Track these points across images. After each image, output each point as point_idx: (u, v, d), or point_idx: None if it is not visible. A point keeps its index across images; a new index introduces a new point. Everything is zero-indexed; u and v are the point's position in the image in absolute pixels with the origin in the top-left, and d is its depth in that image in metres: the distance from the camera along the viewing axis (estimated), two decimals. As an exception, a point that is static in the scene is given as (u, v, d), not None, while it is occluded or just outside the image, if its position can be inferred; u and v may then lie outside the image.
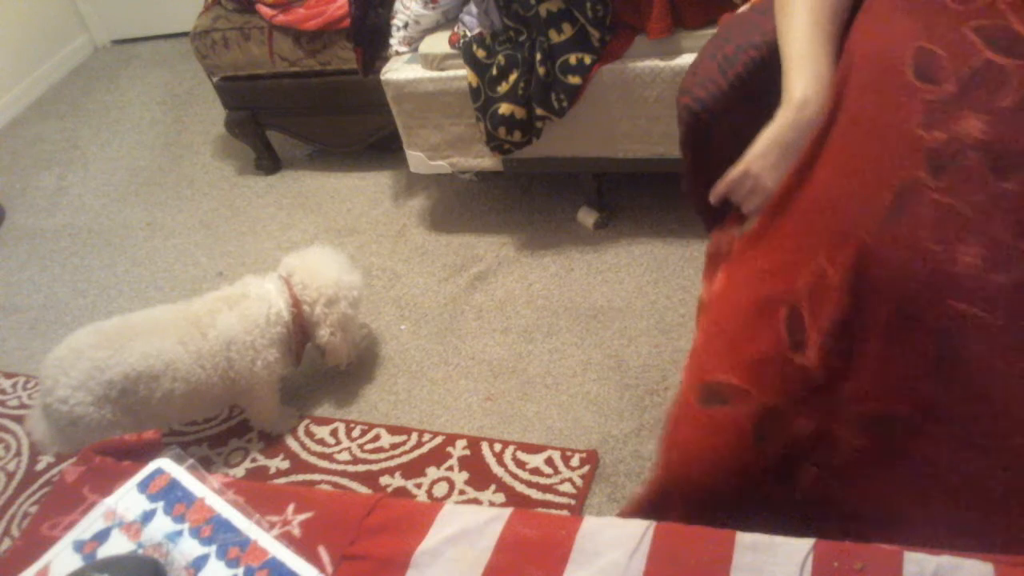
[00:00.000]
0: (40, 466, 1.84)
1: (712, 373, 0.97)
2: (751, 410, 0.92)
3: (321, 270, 1.74)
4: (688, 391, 1.01)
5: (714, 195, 1.02)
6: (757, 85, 1.03)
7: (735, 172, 0.97)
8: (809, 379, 0.88)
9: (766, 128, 0.94)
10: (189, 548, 0.86)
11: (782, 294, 0.89)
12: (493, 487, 1.59)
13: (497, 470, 1.62)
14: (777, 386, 0.91)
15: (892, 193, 0.78)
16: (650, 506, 1.10)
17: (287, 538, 0.87)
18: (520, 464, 1.62)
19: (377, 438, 1.75)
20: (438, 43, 1.93)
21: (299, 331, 1.74)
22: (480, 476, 1.61)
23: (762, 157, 0.94)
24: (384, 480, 1.65)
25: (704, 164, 1.09)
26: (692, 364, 1.03)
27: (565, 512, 1.50)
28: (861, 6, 0.92)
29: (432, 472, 1.64)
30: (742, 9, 1.12)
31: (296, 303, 1.71)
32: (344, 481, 1.67)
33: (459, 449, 1.67)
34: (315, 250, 1.82)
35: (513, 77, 1.80)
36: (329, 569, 0.84)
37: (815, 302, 0.86)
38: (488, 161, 2.05)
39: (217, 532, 0.87)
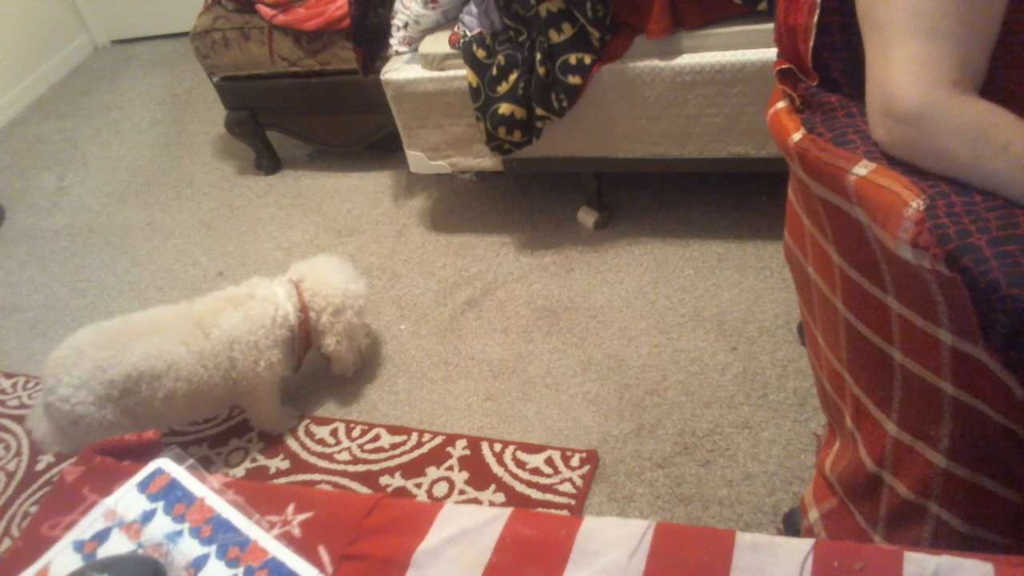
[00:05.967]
0: (40, 466, 1.84)
1: None
2: None
3: (330, 278, 1.76)
4: None
5: None
6: None
7: None
8: None
9: None
10: (189, 548, 0.86)
11: None
12: (493, 487, 1.59)
13: (497, 470, 1.62)
14: None
15: None
16: None
17: (287, 538, 0.87)
18: (520, 464, 1.62)
19: (377, 438, 1.75)
20: (438, 43, 1.93)
21: (304, 337, 1.75)
22: (480, 476, 1.61)
23: None
24: (384, 480, 1.65)
25: None
26: None
27: (565, 512, 1.50)
28: None
29: (432, 472, 1.64)
30: (920, 208, 0.76)
31: (304, 309, 1.72)
32: (344, 481, 1.67)
33: (459, 449, 1.67)
34: (323, 258, 1.84)
35: (513, 77, 1.80)
36: (329, 569, 0.84)
37: None
38: (488, 161, 2.05)
39: (217, 532, 0.87)
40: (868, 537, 1.03)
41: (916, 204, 0.76)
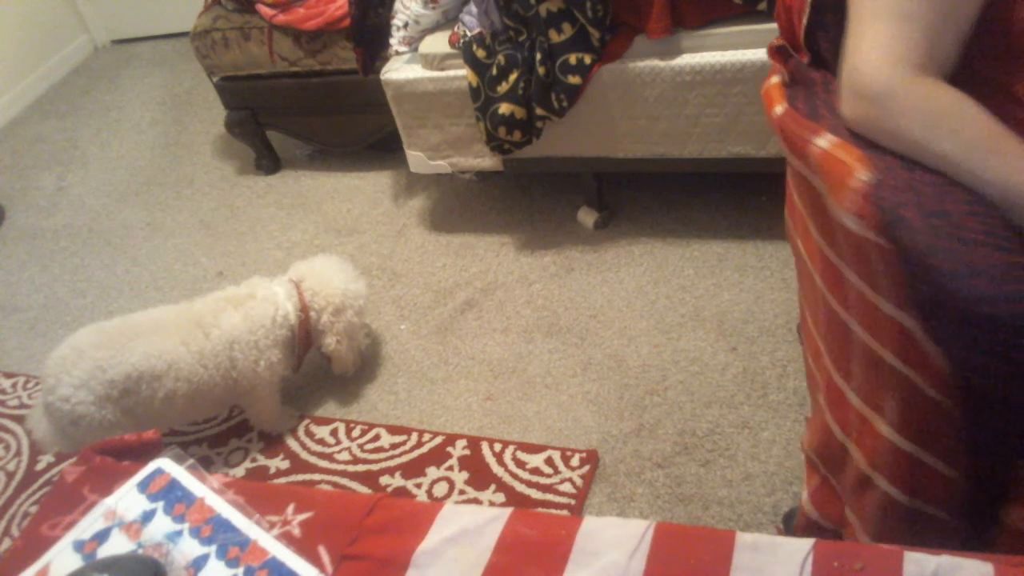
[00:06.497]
0: (40, 466, 1.84)
1: None
2: None
3: (330, 278, 1.76)
4: None
5: None
6: None
7: None
8: None
9: None
10: (189, 548, 0.86)
11: None
12: (493, 487, 1.59)
13: (497, 470, 1.62)
14: None
15: None
16: None
17: (287, 538, 0.87)
18: (520, 464, 1.62)
19: (377, 438, 1.75)
20: (438, 43, 1.93)
21: (304, 336, 1.75)
22: (480, 476, 1.61)
23: None
24: (384, 480, 1.65)
25: None
26: None
27: (565, 512, 1.50)
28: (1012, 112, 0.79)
29: (432, 472, 1.64)
30: (867, 180, 0.82)
31: (304, 308, 1.72)
32: (344, 481, 1.67)
33: (459, 449, 1.67)
34: (323, 258, 1.84)
35: (513, 77, 1.80)
36: (329, 569, 0.84)
37: None
38: (488, 161, 2.05)
39: (217, 532, 0.87)
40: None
41: (863, 176, 0.80)
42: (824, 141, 0.85)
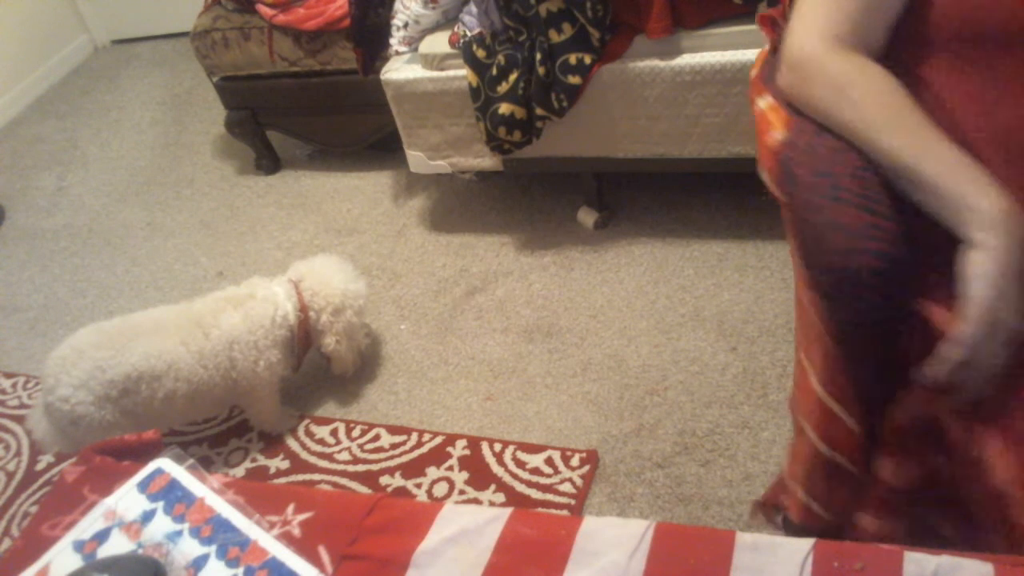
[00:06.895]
0: (40, 466, 1.84)
1: None
2: None
3: (329, 278, 1.76)
4: None
5: (942, 368, 0.79)
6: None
7: (969, 329, 0.75)
8: None
9: (978, 261, 0.75)
10: (189, 548, 0.86)
11: None
12: (493, 487, 1.59)
13: (497, 470, 1.62)
14: None
15: None
16: None
17: (287, 538, 0.87)
18: (520, 464, 1.62)
19: (377, 438, 1.75)
20: (438, 43, 1.93)
21: (303, 336, 1.75)
22: (480, 476, 1.61)
23: (998, 296, 0.74)
24: (384, 480, 1.65)
25: (890, 335, 0.86)
26: None
27: (565, 512, 1.50)
28: (921, 94, 0.83)
29: (432, 472, 1.64)
30: (778, 139, 0.89)
31: (304, 308, 1.72)
32: (344, 481, 1.67)
33: (459, 449, 1.67)
34: (323, 258, 1.84)
35: (513, 77, 1.80)
36: (329, 569, 0.84)
37: None
38: (488, 161, 2.05)
39: (217, 532, 0.87)
40: None
41: (777, 136, 0.89)
42: (763, 102, 0.93)
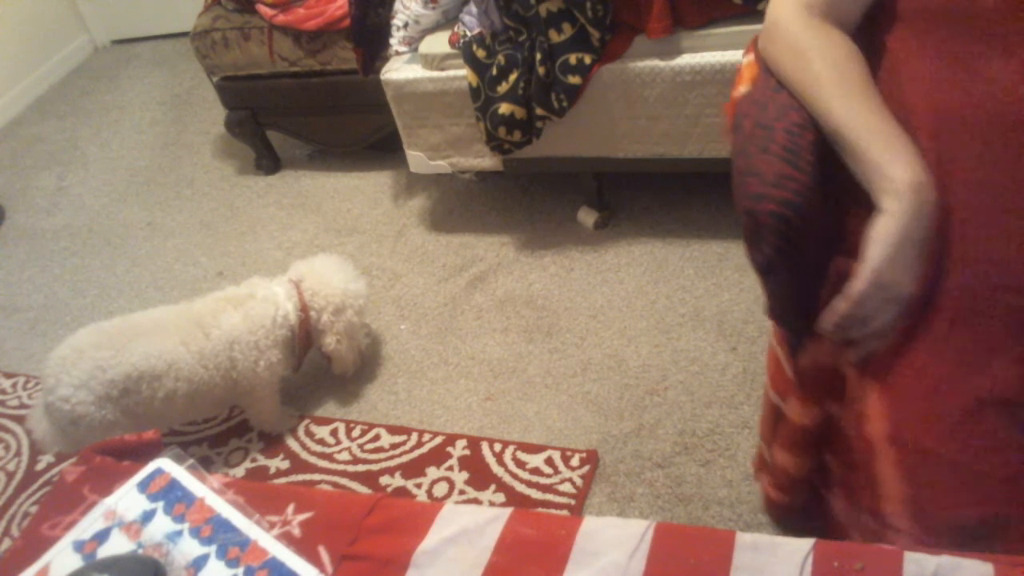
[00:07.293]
0: (40, 466, 1.84)
1: (954, 510, 0.82)
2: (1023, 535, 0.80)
3: (330, 278, 1.76)
4: (926, 541, 0.84)
5: (835, 320, 0.85)
6: (821, 172, 0.89)
7: (863, 286, 0.81)
8: None
9: (881, 225, 0.80)
10: (189, 548, 0.86)
11: (983, 394, 0.78)
12: (493, 487, 1.59)
13: (497, 470, 1.62)
14: None
15: None
16: None
17: (287, 538, 0.87)
18: (520, 464, 1.62)
19: (377, 438, 1.75)
20: (438, 43, 1.93)
21: (304, 336, 1.75)
22: (480, 476, 1.61)
23: (894, 260, 0.79)
24: (384, 480, 1.65)
25: (798, 279, 0.93)
26: (917, 513, 0.84)
27: (565, 512, 1.50)
28: (881, 64, 0.88)
29: (432, 472, 1.64)
30: (742, 92, 0.97)
31: (304, 308, 1.72)
32: (344, 481, 1.67)
33: (459, 449, 1.67)
34: (323, 257, 1.84)
35: (513, 77, 1.80)
36: (329, 569, 0.84)
37: None
38: (488, 161, 2.05)
39: (217, 532, 0.87)
40: None
41: (742, 89, 0.97)
42: (745, 59, 1.01)
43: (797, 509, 1.18)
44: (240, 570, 0.83)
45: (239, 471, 1.74)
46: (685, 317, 1.86)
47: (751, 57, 0.99)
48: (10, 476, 1.83)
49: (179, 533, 0.88)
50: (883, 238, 0.79)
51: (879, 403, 0.85)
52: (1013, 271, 0.77)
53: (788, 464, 1.08)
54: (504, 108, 1.83)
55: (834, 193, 0.89)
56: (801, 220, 0.85)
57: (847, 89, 0.85)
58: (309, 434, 1.79)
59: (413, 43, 2.02)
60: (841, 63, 0.86)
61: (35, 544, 0.90)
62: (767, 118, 0.90)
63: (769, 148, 0.87)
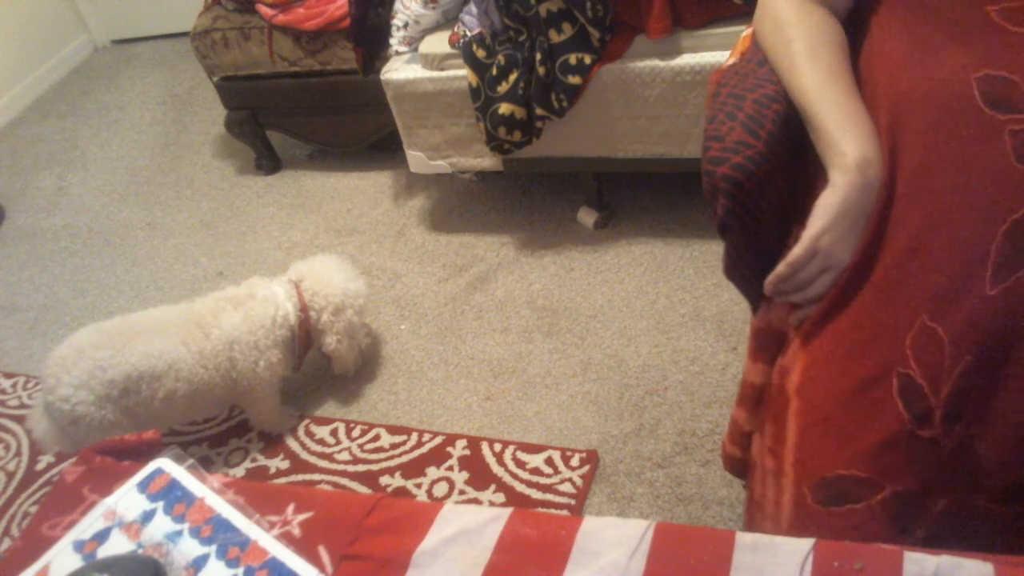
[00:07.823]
0: (40, 466, 1.84)
1: (829, 469, 0.85)
2: (886, 501, 0.82)
3: (330, 278, 1.76)
4: (801, 494, 0.88)
5: (774, 281, 0.90)
6: (787, 144, 0.93)
7: (800, 252, 0.86)
8: (940, 452, 0.79)
9: (825, 197, 0.85)
10: (189, 548, 0.86)
11: (885, 366, 0.81)
12: (493, 487, 1.59)
13: (497, 470, 1.62)
14: (908, 468, 0.81)
15: (1002, 235, 0.73)
16: None
17: (287, 538, 0.87)
18: (520, 464, 1.62)
19: (377, 438, 1.75)
20: (438, 43, 1.93)
21: (304, 336, 1.75)
22: (480, 476, 1.61)
23: (831, 230, 0.84)
24: (384, 480, 1.65)
25: (752, 241, 0.98)
26: (798, 462, 0.89)
27: (565, 512, 1.50)
28: (863, 45, 0.91)
29: (432, 472, 1.64)
30: (729, 63, 1.02)
31: (304, 308, 1.72)
32: (344, 481, 1.67)
33: (459, 449, 1.67)
34: (323, 257, 1.84)
35: (513, 77, 1.80)
36: (329, 569, 0.84)
37: (928, 366, 0.78)
38: (488, 161, 2.05)
39: (217, 532, 0.87)
40: None
41: (729, 60, 1.03)
42: (743, 33, 1.07)
43: (749, 463, 1.20)
44: (240, 570, 0.83)
45: (239, 471, 1.74)
46: (685, 317, 1.86)
47: (747, 31, 1.05)
48: (10, 476, 1.83)
49: (179, 533, 0.88)
50: (825, 209, 0.85)
51: (798, 359, 0.90)
52: (937, 251, 0.78)
53: (741, 419, 1.12)
54: (504, 108, 1.83)
55: (803, 166, 0.94)
56: (754, 185, 0.91)
57: (818, 65, 0.89)
58: (309, 434, 1.79)
59: (413, 43, 2.02)
60: (817, 41, 0.91)
61: (35, 544, 0.90)
62: (742, 88, 0.96)
63: (736, 116, 0.93)
